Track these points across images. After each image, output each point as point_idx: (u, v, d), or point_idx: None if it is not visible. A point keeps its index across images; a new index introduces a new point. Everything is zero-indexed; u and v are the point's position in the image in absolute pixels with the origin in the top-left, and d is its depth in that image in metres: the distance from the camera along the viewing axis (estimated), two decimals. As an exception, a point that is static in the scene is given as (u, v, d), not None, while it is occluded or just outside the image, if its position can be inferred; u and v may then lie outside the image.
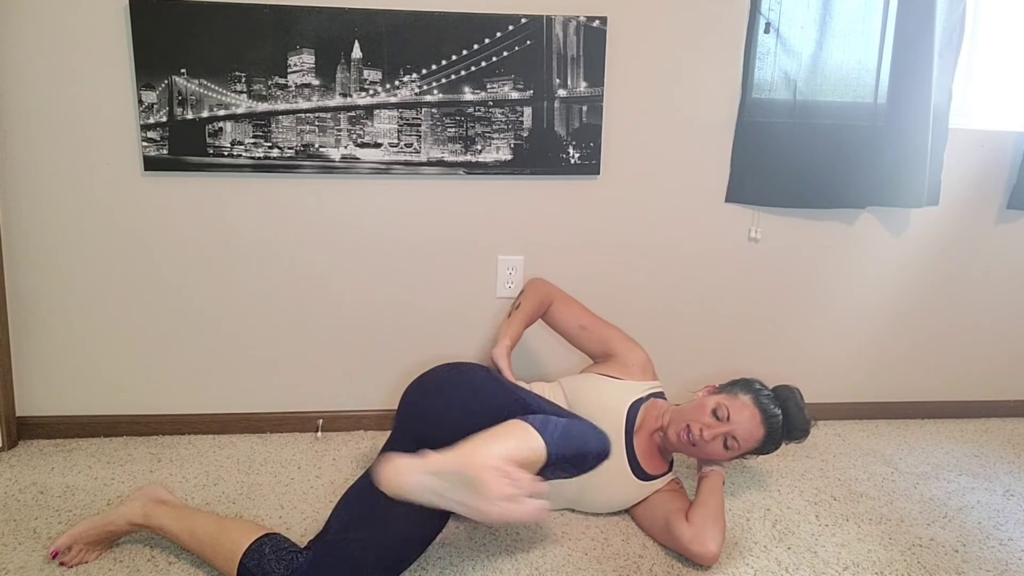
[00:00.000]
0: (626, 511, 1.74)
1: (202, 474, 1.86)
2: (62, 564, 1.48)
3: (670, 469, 1.75)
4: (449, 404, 1.56)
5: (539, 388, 1.77)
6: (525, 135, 1.96)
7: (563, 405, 1.71)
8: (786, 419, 1.66)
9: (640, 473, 1.67)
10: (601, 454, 1.41)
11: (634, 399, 1.71)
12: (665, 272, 2.14)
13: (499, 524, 1.14)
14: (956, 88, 2.08)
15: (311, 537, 1.46)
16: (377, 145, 1.92)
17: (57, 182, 1.87)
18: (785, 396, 1.70)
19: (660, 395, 1.79)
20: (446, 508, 1.22)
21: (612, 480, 1.66)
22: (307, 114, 1.88)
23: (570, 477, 1.41)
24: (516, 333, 1.76)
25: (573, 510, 1.75)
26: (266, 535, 1.40)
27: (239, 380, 2.06)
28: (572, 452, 1.35)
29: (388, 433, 1.71)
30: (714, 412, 1.63)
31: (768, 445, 1.66)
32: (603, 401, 1.69)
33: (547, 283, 1.92)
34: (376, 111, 1.90)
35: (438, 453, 1.22)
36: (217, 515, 1.59)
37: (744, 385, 1.70)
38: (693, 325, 2.20)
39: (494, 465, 1.18)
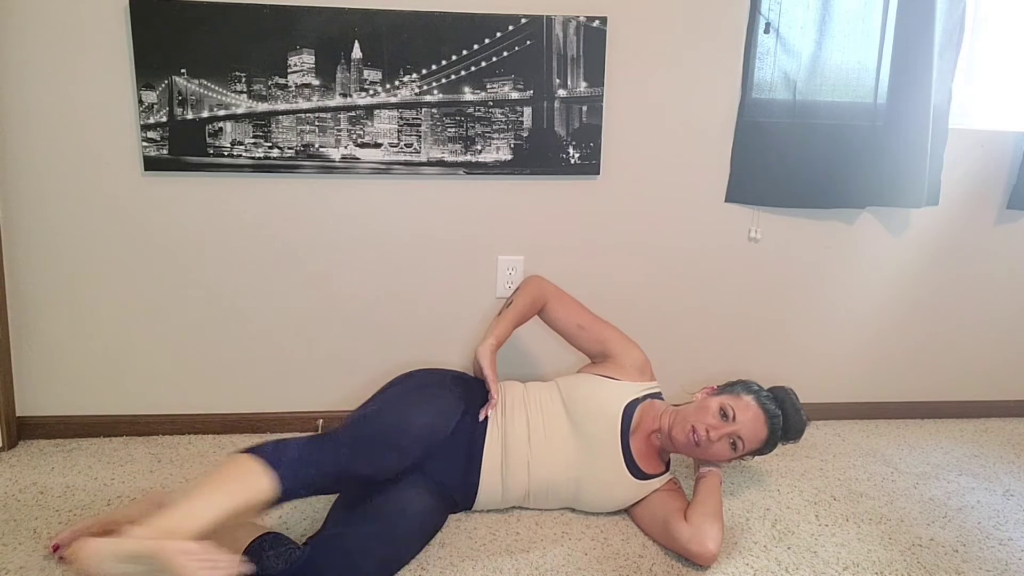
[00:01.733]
0: (625, 511, 1.74)
1: (202, 474, 1.86)
2: (62, 559, 1.48)
3: (667, 469, 1.75)
4: (390, 395, 1.66)
5: (535, 389, 1.77)
6: (525, 135, 1.96)
7: (560, 407, 1.71)
8: (784, 419, 1.67)
9: (637, 472, 1.67)
10: (352, 472, 1.38)
11: (630, 399, 1.71)
12: (665, 272, 2.14)
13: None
14: (956, 88, 2.08)
15: (310, 536, 1.46)
16: (377, 145, 1.92)
17: (57, 182, 1.87)
18: (782, 397, 1.71)
19: (657, 396, 1.79)
20: None
21: (609, 479, 1.66)
22: (307, 114, 1.88)
23: (307, 495, 1.36)
24: (503, 332, 1.74)
25: (573, 510, 1.75)
26: (265, 533, 1.40)
27: (239, 380, 2.06)
28: (313, 476, 1.32)
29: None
30: (721, 412, 1.63)
31: (769, 445, 1.67)
32: (599, 402, 1.69)
33: (544, 281, 1.89)
34: (376, 111, 1.90)
35: (138, 529, 1.17)
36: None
37: (744, 386, 1.71)
38: (693, 325, 2.20)
39: (186, 548, 1.12)
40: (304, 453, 1.34)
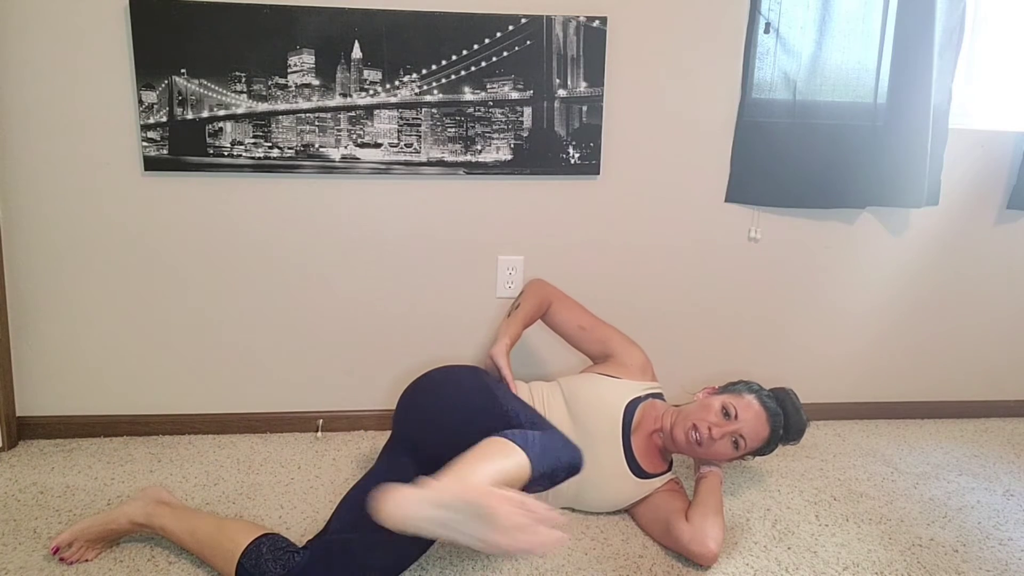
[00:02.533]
0: (626, 511, 1.74)
1: (202, 474, 1.86)
2: (62, 560, 1.48)
3: (669, 468, 1.75)
4: (439, 406, 1.59)
5: (538, 388, 1.77)
6: (525, 135, 1.96)
7: (561, 405, 1.72)
8: (785, 419, 1.67)
9: (638, 471, 1.67)
10: (572, 468, 1.39)
11: (632, 398, 1.71)
12: (665, 272, 2.14)
13: (511, 555, 1.07)
14: (956, 88, 2.08)
15: (311, 537, 1.46)
16: (377, 145, 1.92)
17: (57, 182, 1.87)
18: (783, 397, 1.71)
19: (659, 396, 1.79)
20: (452, 541, 1.13)
21: (611, 478, 1.66)
22: (307, 114, 1.88)
23: (542, 490, 1.37)
24: (515, 333, 1.77)
25: (573, 509, 1.75)
26: (264, 535, 1.40)
27: (239, 380, 2.06)
28: (549, 467, 1.33)
29: (388, 433, 1.72)
30: (723, 411, 1.63)
31: (770, 445, 1.67)
32: (601, 399, 1.70)
33: (547, 284, 1.93)
34: (376, 111, 1.90)
35: (438, 481, 1.16)
36: (217, 516, 1.60)
37: (746, 385, 1.71)
38: (693, 325, 2.20)
39: (505, 494, 1.12)
40: (541, 447, 1.33)
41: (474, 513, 1.10)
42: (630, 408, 1.70)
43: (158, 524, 1.49)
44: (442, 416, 1.55)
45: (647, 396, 1.75)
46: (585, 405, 1.69)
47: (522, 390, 1.76)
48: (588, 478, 1.66)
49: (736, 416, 1.62)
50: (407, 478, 1.56)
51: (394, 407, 1.70)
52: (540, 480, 1.33)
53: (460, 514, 1.11)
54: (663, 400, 1.79)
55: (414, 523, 1.13)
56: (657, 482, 1.70)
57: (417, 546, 1.50)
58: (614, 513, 1.75)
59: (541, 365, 2.16)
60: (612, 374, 1.77)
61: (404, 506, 1.13)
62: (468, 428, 1.39)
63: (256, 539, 1.38)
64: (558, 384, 1.78)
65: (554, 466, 1.35)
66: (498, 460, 1.27)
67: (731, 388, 1.72)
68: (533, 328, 1.89)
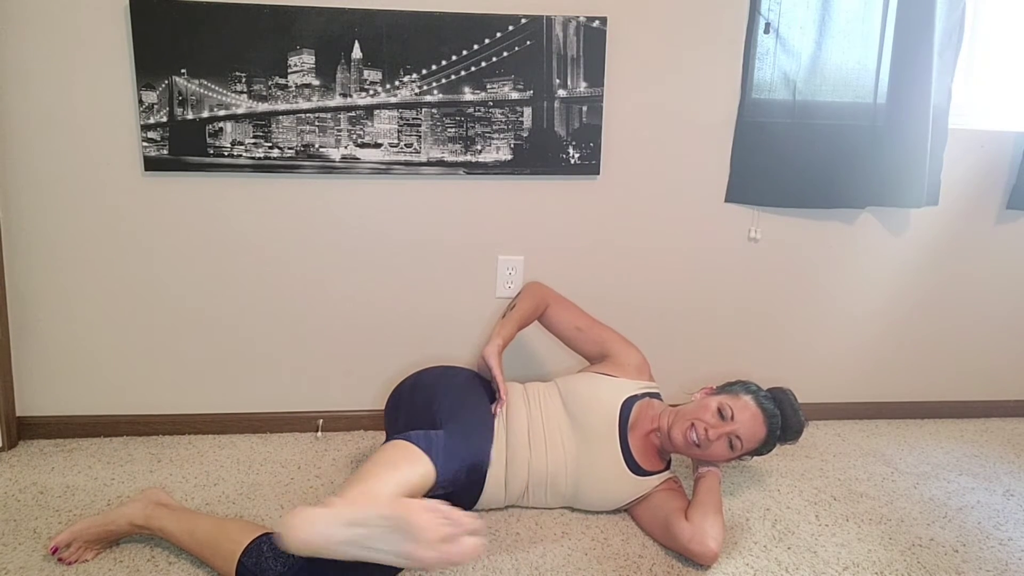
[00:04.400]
0: (625, 510, 1.74)
1: (202, 474, 1.86)
2: (60, 560, 1.48)
3: (667, 468, 1.75)
4: (415, 407, 1.65)
5: (534, 388, 1.78)
6: (525, 135, 1.96)
7: (558, 404, 1.73)
8: (782, 420, 1.67)
9: (636, 468, 1.67)
10: (474, 468, 1.43)
11: (628, 395, 1.72)
12: (665, 272, 2.14)
13: (433, 568, 1.05)
14: (956, 88, 2.08)
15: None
16: (377, 145, 1.92)
17: (57, 182, 1.87)
18: (780, 398, 1.71)
19: (656, 395, 1.79)
20: (366, 559, 1.07)
21: (608, 476, 1.66)
22: (307, 114, 1.88)
23: (443, 493, 1.37)
24: (508, 333, 1.78)
25: (572, 509, 1.75)
26: (265, 534, 1.40)
27: (239, 380, 2.06)
28: (452, 470, 1.35)
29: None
30: (719, 411, 1.63)
31: (767, 445, 1.67)
32: (597, 398, 1.70)
33: (544, 287, 1.93)
34: (376, 111, 1.90)
35: (344, 497, 1.11)
36: (217, 516, 1.60)
37: (743, 386, 1.71)
38: (693, 325, 2.20)
39: (424, 504, 1.07)
40: (445, 450, 1.35)
41: (393, 527, 1.05)
42: (626, 406, 1.70)
43: (157, 525, 1.49)
44: (418, 418, 1.59)
45: (643, 395, 1.75)
46: (581, 403, 1.70)
47: (516, 391, 1.77)
48: (586, 476, 1.67)
49: (733, 417, 1.62)
50: None
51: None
52: (444, 483, 1.34)
53: (376, 530, 1.06)
54: (660, 400, 1.79)
55: (325, 545, 1.06)
56: (655, 480, 1.70)
57: None
58: (613, 512, 1.75)
59: (539, 366, 2.16)
60: (609, 373, 1.78)
61: (313, 528, 1.06)
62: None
63: (257, 538, 1.38)
64: (555, 384, 1.79)
65: (456, 468, 1.37)
66: (403, 467, 1.26)
67: (728, 389, 1.72)
68: (532, 330, 1.89)
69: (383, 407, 2.12)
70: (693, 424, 1.62)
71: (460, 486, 1.43)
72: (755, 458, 1.80)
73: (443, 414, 1.57)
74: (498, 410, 1.68)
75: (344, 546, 1.07)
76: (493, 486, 1.65)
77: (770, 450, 1.70)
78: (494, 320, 2.10)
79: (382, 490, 1.17)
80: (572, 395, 1.72)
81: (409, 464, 1.29)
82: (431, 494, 1.31)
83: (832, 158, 2.06)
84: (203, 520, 1.50)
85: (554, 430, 1.68)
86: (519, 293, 1.90)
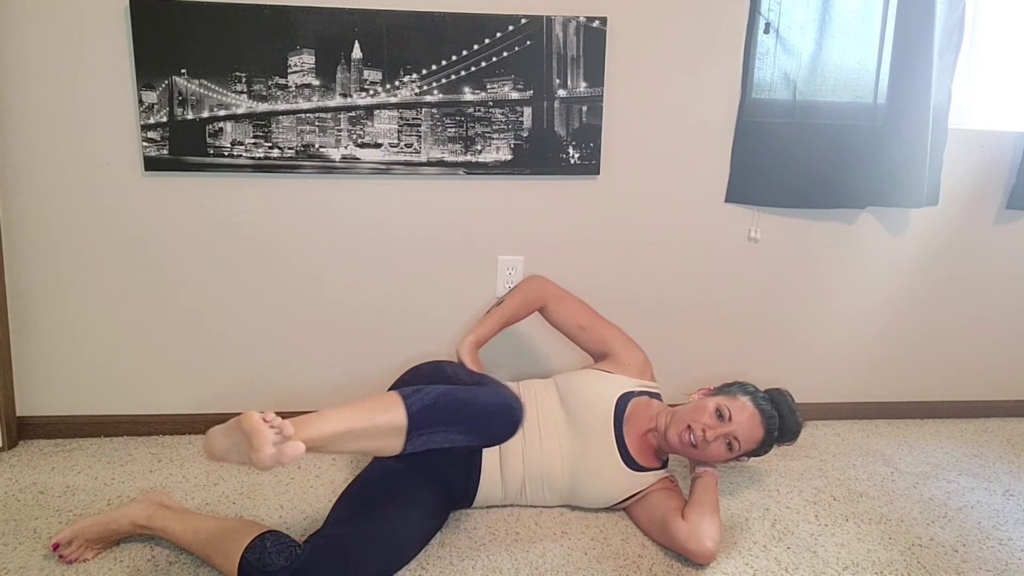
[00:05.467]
0: (623, 508, 1.74)
1: (202, 474, 1.86)
2: (61, 558, 1.48)
3: (664, 466, 1.75)
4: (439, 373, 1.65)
5: (531, 385, 1.80)
6: (525, 135, 1.96)
7: (555, 399, 1.74)
8: (780, 421, 1.68)
9: (631, 463, 1.67)
10: (497, 405, 1.42)
11: (625, 391, 1.73)
12: (665, 272, 2.14)
13: (265, 467, 1.19)
14: (956, 88, 2.08)
15: (311, 534, 1.46)
16: (377, 145, 1.92)
17: (57, 182, 1.87)
18: (778, 399, 1.71)
19: (656, 396, 1.79)
20: (245, 464, 1.24)
21: (604, 470, 1.67)
22: (307, 114, 1.88)
23: (458, 436, 1.39)
24: (485, 331, 1.77)
25: (572, 508, 1.75)
26: (268, 531, 1.41)
27: (239, 380, 2.06)
28: (440, 411, 1.37)
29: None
30: (717, 412, 1.63)
31: (765, 446, 1.68)
32: (593, 391, 1.71)
33: (545, 282, 1.88)
34: (376, 111, 1.90)
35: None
36: (219, 517, 1.60)
37: (740, 387, 1.72)
38: (693, 325, 2.20)
39: (256, 414, 1.22)
40: (435, 396, 1.39)
41: (243, 438, 1.21)
42: (622, 401, 1.71)
43: (159, 525, 1.50)
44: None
45: (641, 392, 1.76)
46: (577, 398, 1.71)
47: (510, 388, 1.77)
48: (581, 470, 1.68)
49: (730, 418, 1.62)
50: (401, 474, 1.58)
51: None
52: (434, 426, 1.37)
53: (234, 440, 1.24)
54: (660, 400, 1.79)
55: (215, 451, 1.28)
56: (651, 477, 1.70)
57: (412, 541, 1.51)
58: (613, 512, 1.75)
59: (541, 363, 2.16)
60: (608, 369, 1.79)
61: (209, 437, 1.28)
62: None
63: (260, 535, 1.39)
64: (553, 380, 1.80)
65: (455, 410, 1.39)
66: (368, 405, 1.36)
67: (726, 389, 1.72)
68: (535, 327, 1.89)
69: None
70: (690, 425, 1.62)
71: (476, 429, 1.43)
72: (753, 459, 1.80)
73: (474, 377, 1.59)
74: None
75: (226, 453, 1.27)
76: (489, 480, 1.66)
77: (767, 451, 1.70)
78: (494, 320, 2.11)
79: (333, 420, 1.33)
80: (568, 390, 1.73)
81: (374, 404, 1.37)
82: (416, 443, 1.36)
83: (832, 158, 2.06)
84: (205, 520, 1.51)
85: (549, 423, 1.69)
86: (515, 286, 1.87)
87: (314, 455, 1.98)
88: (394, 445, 1.36)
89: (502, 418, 1.43)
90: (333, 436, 1.32)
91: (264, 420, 1.22)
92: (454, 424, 1.39)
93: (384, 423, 1.34)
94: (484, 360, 2.02)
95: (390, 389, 1.78)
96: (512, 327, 1.90)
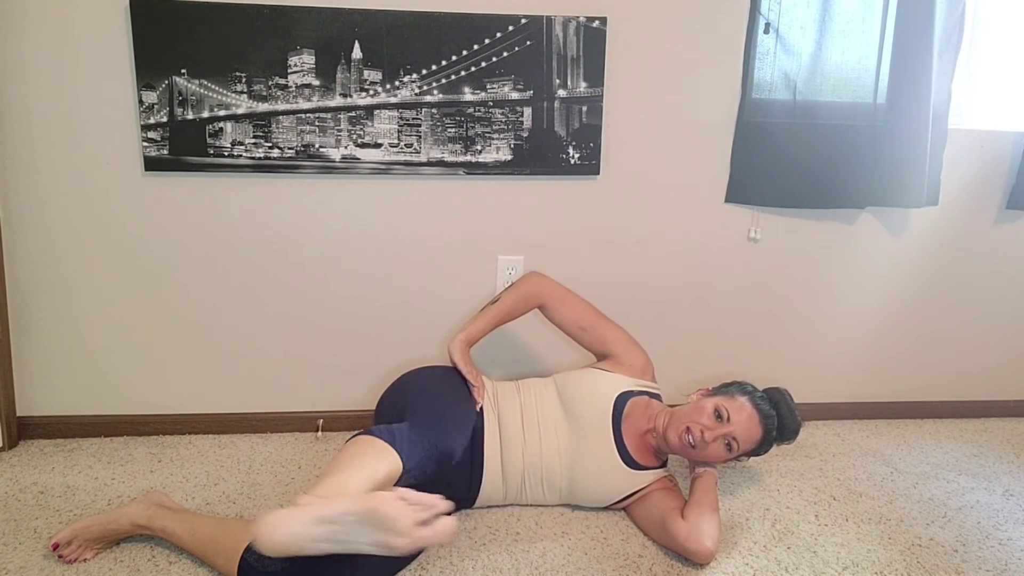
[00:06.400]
0: (622, 508, 1.74)
1: (202, 474, 1.86)
2: (60, 558, 1.48)
3: (663, 466, 1.75)
4: (397, 406, 1.65)
5: (530, 384, 1.80)
6: (525, 135, 1.96)
7: (554, 398, 1.75)
8: (778, 420, 1.68)
9: (630, 462, 1.68)
10: (443, 456, 1.45)
11: (623, 390, 1.73)
12: (664, 272, 2.15)
13: (411, 552, 1.09)
14: (956, 88, 2.08)
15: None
16: (377, 145, 1.92)
17: (57, 182, 1.87)
18: (776, 398, 1.71)
19: (656, 396, 1.80)
20: (346, 551, 1.11)
21: (602, 468, 1.67)
22: (307, 114, 1.88)
23: (415, 483, 1.34)
24: (478, 329, 1.77)
25: (572, 508, 1.75)
26: None
27: (239, 380, 2.06)
28: (418, 460, 1.38)
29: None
30: (716, 413, 1.63)
31: (763, 446, 1.68)
32: (592, 390, 1.72)
33: (544, 280, 1.86)
34: (376, 111, 1.90)
35: (314, 495, 1.13)
36: (219, 517, 1.60)
37: (739, 387, 1.72)
38: (692, 325, 2.20)
39: (391, 495, 1.10)
40: (409, 440, 1.38)
41: (365, 521, 1.08)
42: (620, 399, 1.71)
43: (159, 525, 1.50)
44: (395, 418, 1.58)
45: (640, 392, 1.76)
46: (576, 396, 1.72)
47: (509, 386, 1.78)
48: (580, 467, 1.68)
49: (729, 419, 1.62)
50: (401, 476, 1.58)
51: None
52: (413, 472, 1.36)
53: (349, 525, 1.09)
54: (660, 401, 1.80)
55: (298, 544, 1.09)
56: (650, 476, 1.70)
57: None
58: (613, 512, 1.75)
59: (542, 362, 2.16)
60: (606, 369, 1.79)
61: (287, 529, 1.08)
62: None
63: None
64: (552, 380, 1.80)
65: (422, 457, 1.39)
66: (369, 461, 1.29)
67: (724, 390, 1.72)
68: (535, 325, 1.88)
69: (383, 407, 2.13)
70: (689, 426, 1.62)
71: (432, 475, 1.43)
72: (752, 458, 1.81)
73: (410, 408, 1.58)
74: (482, 396, 1.71)
75: (318, 543, 1.10)
76: (491, 479, 1.66)
77: (766, 451, 1.70)
78: (494, 320, 2.11)
79: (351, 484, 1.19)
80: (567, 388, 1.73)
81: (375, 457, 1.31)
82: (404, 484, 1.32)
83: (832, 158, 2.06)
84: (205, 520, 1.51)
85: (548, 420, 1.70)
86: (512, 283, 1.85)
87: (330, 439, 1.99)
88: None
89: (440, 463, 1.45)
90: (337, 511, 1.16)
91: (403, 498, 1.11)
92: (419, 470, 1.40)
93: (388, 472, 1.33)
94: (482, 359, 2.04)
95: (384, 394, 1.80)
96: (512, 327, 1.90)
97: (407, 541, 1.07)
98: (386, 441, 1.35)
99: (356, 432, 1.42)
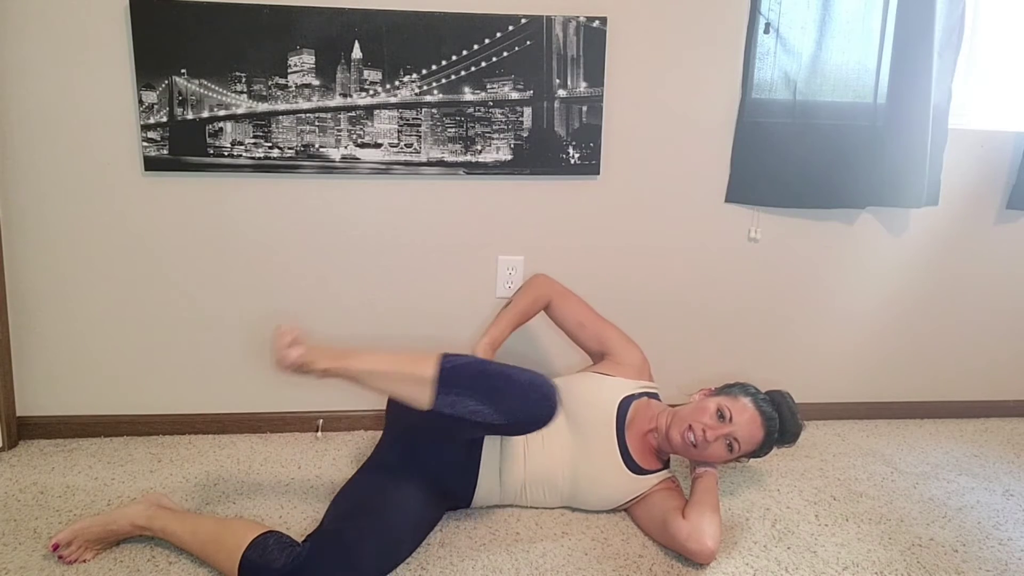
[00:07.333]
0: (624, 510, 1.74)
1: (202, 474, 1.86)
2: (60, 558, 1.48)
3: (666, 467, 1.75)
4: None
5: None
6: (525, 135, 1.96)
7: None
8: (780, 423, 1.68)
9: (634, 467, 1.67)
10: (535, 386, 1.43)
11: (626, 395, 1.73)
12: (665, 272, 2.14)
13: (282, 368, 1.42)
14: (956, 88, 2.08)
15: (310, 533, 1.46)
16: (377, 145, 1.92)
17: (57, 182, 1.87)
18: (779, 400, 1.71)
19: (654, 396, 1.80)
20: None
21: (606, 474, 1.67)
22: (307, 114, 1.88)
23: (486, 409, 1.41)
24: (500, 331, 1.77)
25: (572, 508, 1.75)
26: (270, 531, 1.41)
27: (239, 380, 2.06)
28: (474, 375, 1.42)
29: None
30: (718, 413, 1.63)
31: (764, 448, 1.68)
32: (595, 396, 1.71)
33: (549, 280, 1.90)
34: (376, 111, 1.90)
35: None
36: (219, 517, 1.60)
37: (741, 388, 1.72)
38: (693, 325, 2.20)
39: (284, 326, 1.42)
40: (479, 365, 1.46)
41: (274, 341, 1.42)
42: (623, 405, 1.71)
43: (159, 526, 1.50)
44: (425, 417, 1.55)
45: (641, 394, 1.76)
46: (578, 402, 1.70)
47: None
48: (583, 474, 1.68)
49: (731, 419, 1.62)
50: (397, 470, 1.58)
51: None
52: (463, 388, 1.40)
53: (274, 345, 1.42)
54: (659, 400, 1.80)
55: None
56: (653, 479, 1.70)
57: (410, 533, 1.51)
58: (613, 513, 1.75)
59: (544, 363, 2.16)
60: (607, 372, 1.78)
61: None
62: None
63: (263, 534, 1.40)
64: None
65: (489, 382, 1.42)
66: (404, 364, 1.43)
67: (727, 390, 1.72)
68: (539, 326, 1.89)
69: (383, 407, 2.13)
70: (691, 425, 1.62)
71: (505, 405, 1.42)
72: (750, 460, 1.81)
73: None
74: None
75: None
76: (487, 481, 1.65)
77: (767, 453, 1.70)
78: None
79: (366, 357, 1.45)
80: (569, 394, 1.72)
81: (411, 358, 1.44)
82: (438, 403, 1.41)
83: (832, 158, 2.06)
84: (205, 519, 1.51)
85: (551, 427, 1.69)
86: (521, 287, 1.88)
87: (330, 439, 1.99)
88: (421, 396, 1.40)
89: (537, 404, 1.43)
90: (360, 370, 1.43)
91: (281, 329, 1.42)
92: (486, 395, 1.40)
93: (412, 371, 1.41)
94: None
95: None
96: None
97: (276, 357, 1.41)
98: (442, 354, 1.43)
99: (442, 354, 1.46)
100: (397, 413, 1.67)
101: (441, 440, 1.61)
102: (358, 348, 1.49)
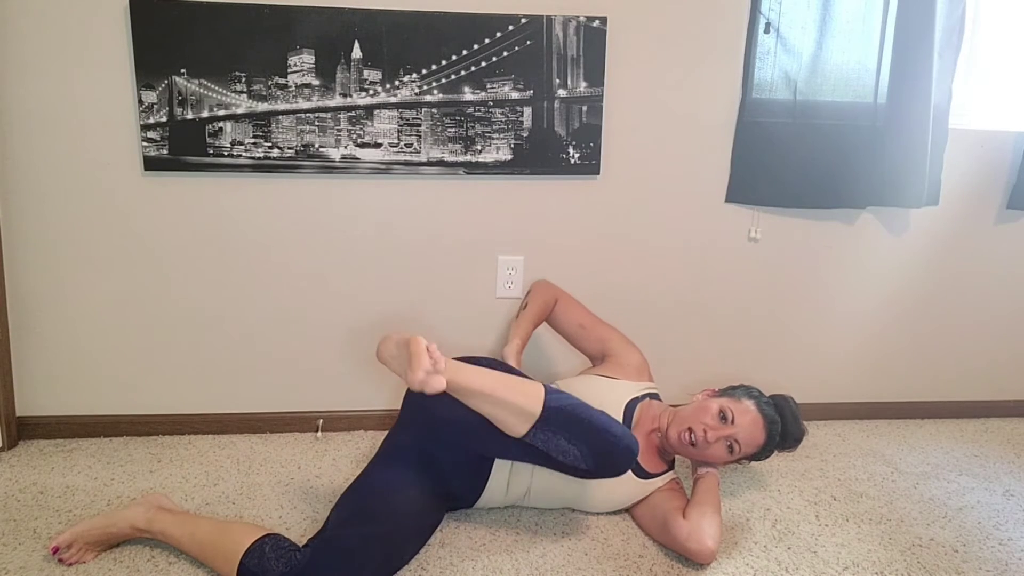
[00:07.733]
0: (626, 510, 1.74)
1: (202, 474, 1.86)
2: (61, 561, 1.48)
3: (670, 468, 1.75)
4: (450, 413, 1.57)
5: None
6: (525, 135, 1.96)
7: None
8: (782, 427, 1.68)
9: (639, 471, 1.67)
10: (623, 439, 1.45)
11: (630, 398, 1.72)
12: (665, 272, 2.14)
13: (418, 390, 1.35)
14: (956, 88, 2.08)
15: (311, 537, 1.46)
16: (377, 145, 1.92)
17: (57, 182, 1.87)
18: (782, 404, 1.71)
19: (655, 396, 1.80)
20: (397, 374, 1.42)
21: (611, 480, 1.66)
22: (307, 114, 1.88)
23: (575, 451, 1.44)
24: (526, 333, 1.82)
25: (573, 509, 1.75)
26: (267, 535, 1.41)
27: (239, 380, 2.06)
28: (572, 417, 1.43)
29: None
30: (720, 414, 1.63)
31: (765, 451, 1.68)
32: (600, 399, 1.70)
33: (551, 284, 1.95)
34: (376, 111, 1.90)
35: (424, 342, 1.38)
36: (218, 519, 1.60)
37: (745, 390, 1.72)
38: (693, 325, 2.20)
39: (426, 342, 1.37)
40: (574, 403, 1.47)
41: (402, 349, 1.39)
42: (629, 408, 1.70)
43: (158, 528, 1.50)
44: (452, 421, 1.52)
45: (644, 396, 1.76)
46: None
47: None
48: (590, 482, 1.66)
49: (733, 421, 1.63)
50: (401, 476, 1.57)
51: (395, 407, 1.71)
52: (558, 426, 1.42)
53: (402, 353, 1.40)
54: (660, 400, 1.80)
55: (382, 355, 1.46)
56: (659, 481, 1.70)
57: (411, 541, 1.51)
58: (614, 513, 1.75)
59: (546, 366, 2.16)
60: (609, 375, 1.78)
61: (383, 340, 1.46)
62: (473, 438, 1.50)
63: (259, 539, 1.39)
64: (557, 387, 1.78)
65: (585, 424, 1.43)
66: (514, 391, 1.43)
67: (730, 392, 1.72)
68: (539, 329, 1.90)
69: (383, 407, 2.13)
70: (692, 426, 1.62)
71: (593, 445, 1.44)
72: (751, 462, 1.81)
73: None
74: None
75: (391, 360, 1.44)
76: (495, 487, 1.65)
77: (768, 456, 1.70)
78: (494, 320, 2.10)
79: (479, 376, 1.44)
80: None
81: (519, 381, 1.47)
82: (532, 436, 1.43)
83: (832, 158, 2.06)
84: (204, 522, 1.51)
85: None
86: (528, 292, 1.92)
87: (330, 439, 1.98)
88: (518, 427, 1.43)
89: (622, 455, 1.47)
90: (473, 390, 1.42)
91: (427, 349, 1.36)
92: (579, 438, 1.43)
93: (520, 404, 1.42)
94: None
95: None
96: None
97: (411, 377, 1.33)
98: (546, 389, 1.45)
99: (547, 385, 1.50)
100: (415, 408, 1.66)
101: (458, 442, 1.60)
102: (475, 367, 1.47)
